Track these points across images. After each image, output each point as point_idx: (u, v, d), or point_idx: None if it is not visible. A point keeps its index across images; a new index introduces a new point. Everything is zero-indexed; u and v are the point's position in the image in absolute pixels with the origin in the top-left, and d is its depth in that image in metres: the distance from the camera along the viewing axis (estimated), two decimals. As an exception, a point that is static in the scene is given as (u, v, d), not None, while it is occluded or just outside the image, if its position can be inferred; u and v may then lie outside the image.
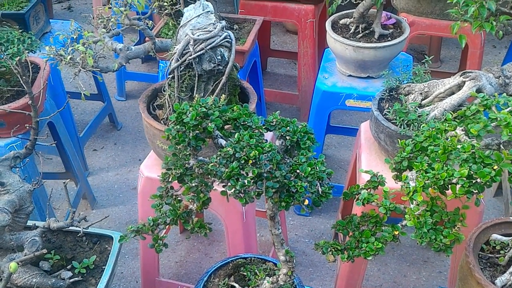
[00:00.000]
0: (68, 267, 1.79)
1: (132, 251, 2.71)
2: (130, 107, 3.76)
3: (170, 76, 1.83)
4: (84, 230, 1.79)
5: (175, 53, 1.78)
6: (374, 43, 2.38)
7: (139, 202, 2.18)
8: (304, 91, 3.35)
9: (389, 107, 1.98)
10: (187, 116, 1.28)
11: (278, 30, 4.46)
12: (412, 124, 1.86)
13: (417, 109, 1.91)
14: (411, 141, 1.38)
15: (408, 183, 1.30)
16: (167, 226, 1.58)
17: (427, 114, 1.88)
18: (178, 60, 1.78)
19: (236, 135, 1.28)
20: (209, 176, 1.30)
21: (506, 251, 1.50)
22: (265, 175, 1.26)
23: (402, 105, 1.92)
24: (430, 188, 1.24)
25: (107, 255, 1.86)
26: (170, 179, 1.39)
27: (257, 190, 1.25)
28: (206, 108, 1.29)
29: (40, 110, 2.36)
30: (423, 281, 2.47)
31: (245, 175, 1.25)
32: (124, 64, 1.93)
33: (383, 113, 1.97)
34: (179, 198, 1.49)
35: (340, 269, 2.23)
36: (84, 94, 1.85)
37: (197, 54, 1.75)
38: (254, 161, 1.25)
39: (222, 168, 1.24)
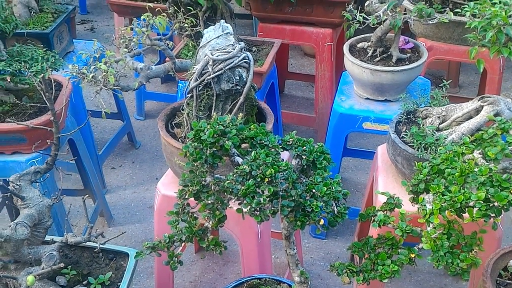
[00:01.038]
0: (84, 282, 1.80)
1: (147, 269, 2.72)
2: (148, 127, 3.81)
3: (189, 95, 1.86)
4: (101, 246, 1.81)
5: (194, 72, 1.81)
6: (391, 66, 2.39)
7: (155, 220, 2.19)
8: (321, 113, 3.36)
9: (407, 130, 1.98)
10: (205, 134, 1.30)
11: (296, 53, 4.51)
12: (429, 148, 1.85)
13: (434, 133, 1.91)
14: (428, 163, 1.38)
15: (425, 205, 1.30)
16: (182, 244, 1.59)
17: (445, 138, 1.87)
18: (197, 80, 1.81)
19: (252, 153, 1.29)
20: (225, 194, 1.31)
21: (526, 278, 1.47)
22: (280, 193, 1.26)
23: (419, 129, 1.91)
24: (447, 211, 1.23)
25: (123, 272, 1.86)
26: (186, 196, 1.40)
27: (272, 208, 1.25)
28: (224, 126, 1.31)
29: (61, 127, 2.41)
30: (440, 308, 2.42)
31: (260, 193, 1.26)
32: (144, 83, 1.97)
33: (401, 136, 1.97)
34: (195, 216, 1.50)
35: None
36: (104, 112, 1.89)
37: (216, 74, 1.79)
38: (270, 179, 1.26)
39: (238, 186, 1.25)
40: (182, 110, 1.97)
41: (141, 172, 3.39)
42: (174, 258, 1.57)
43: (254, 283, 1.81)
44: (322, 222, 1.30)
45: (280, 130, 3.22)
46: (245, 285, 1.81)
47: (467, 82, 4.11)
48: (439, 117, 1.98)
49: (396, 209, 1.42)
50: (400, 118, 2.06)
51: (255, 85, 1.98)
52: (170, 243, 1.55)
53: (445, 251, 1.26)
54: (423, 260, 2.63)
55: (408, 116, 2.07)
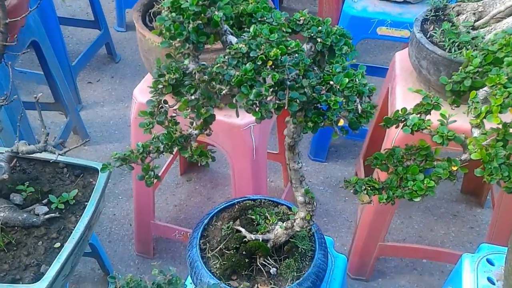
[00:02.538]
0: (44, 201, 1.51)
1: (127, 191, 2.44)
2: (130, 39, 3.42)
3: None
4: (63, 158, 1.51)
5: None
6: (415, -43, 2.01)
7: (132, 133, 1.88)
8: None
9: (435, 29, 1.64)
10: (186, 1, 0.95)
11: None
12: (464, 48, 1.52)
13: (470, 31, 1.57)
14: (480, 52, 1.05)
15: (478, 102, 0.98)
16: (162, 159, 1.27)
17: (483, 37, 1.54)
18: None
19: (252, 28, 0.95)
20: (213, 84, 0.98)
21: None
22: (288, 83, 0.94)
23: (452, 25, 1.57)
24: (510, 108, 0.92)
25: (91, 190, 1.57)
26: (163, 90, 1.07)
27: (277, 102, 0.93)
28: (213, -9, 0.96)
29: (22, 24, 2.03)
30: (451, 237, 2.19)
31: (261, 81, 0.93)
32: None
33: (427, 36, 1.63)
34: (175, 119, 1.18)
35: (362, 218, 1.94)
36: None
37: None
38: (274, 63, 0.93)
39: (231, 71, 0.93)
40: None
41: (121, 87, 3.04)
42: (150, 172, 1.25)
43: (247, 204, 1.52)
44: (342, 122, 0.99)
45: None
46: (237, 207, 1.52)
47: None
48: (474, 14, 1.63)
49: (433, 112, 1.10)
50: (427, 16, 1.71)
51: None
52: (145, 154, 1.23)
53: (501, 161, 0.97)
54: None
55: (437, 14, 1.72)
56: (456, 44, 1.53)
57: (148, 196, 2.04)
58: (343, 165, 2.53)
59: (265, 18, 1.04)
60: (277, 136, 2.28)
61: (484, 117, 0.95)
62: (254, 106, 0.92)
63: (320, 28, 1.05)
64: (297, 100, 0.94)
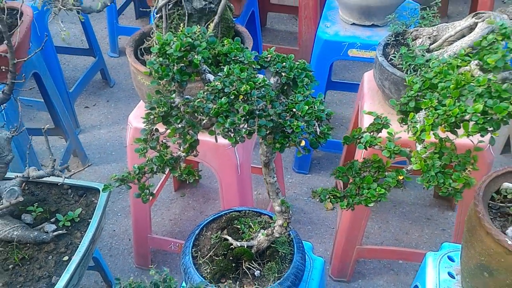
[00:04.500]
0: (52, 220, 1.70)
1: (125, 209, 2.62)
2: (123, 64, 3.62)
3: (158, 15, 1.69)
4: (67, 180, 1.69)
5: (162, -11, 1.64)
6: (379, -13, 2.23)
7: (128, 155, 2.07)
8: (304, 45, 3.20)
9: (395, 52, 1.84)
10: (171, 47, 1.15)
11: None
12: (419, 70, 1.72)
13: (425, 54, 1.78)
14: (420, 78, 1.25)
15: (415, 122, 1.18)
16: (159, 179, 1.46)
17: (436, 58, 1.74)
18: (166, -3, 1.64)
19: (225, 69, 1.15)
20: (196, 115, 1.18)
21: (519, 200, 1.39)
22: (257, 112, 1.14)
23: (409, 49, 1.78)
24: (440, 127, 1.12)
25: (93, 208, 1.76)
26: (154, 120, 1.27)
27: (248, 128, 1.13)
28: (192, 39, 1.16)
29: (23, 57, 2.23)
30: (425, 239, 2.37)
31: (235, 112, 1.13)
32: (108, 4, 1.79)
33: (388, 59, 1.84)
34: (166, 143, 1.37)
35: (340, 225, 2.13)
36: (64, 36, 1.72)
37: (187, -10, 1.61)
38: (245, 97, 1.12)
39: (209, 104, 1.12)
40: (152, 34, 1.81)
41: (117, 111, 3.24)
42: (145, 190, 1.44)
43: (233, 215, 1.71)
44: (303, 143, 1.18)
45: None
46: (224, 218, 1.71)
47: (456, 12, 3.95)
48: (429, 38, 1.84)
49: (383, 130, 1.30)
50: (388, 40, 1.92)
51: (232, 5, 1.81)
52: (141, 174, 1.42)
53: (437, 170, 1.16)
54: (408, 192, 2.57)
55: (397, 38, 1.93)
56: (412, 66, 1.73)
57: (144, 212, 2.23)
58: (325, 176, 2.72)
59: (237, 57, 1.24)
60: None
61: (420, 135, 1.14)
62: (229, 132, 1.12)
63: (284, 64, 1.25)
64: (266, 126, 1.14)
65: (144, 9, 1.84)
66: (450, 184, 1.16)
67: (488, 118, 1.06)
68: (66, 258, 1.62)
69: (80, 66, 3.56)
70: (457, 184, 1.15)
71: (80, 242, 1.65)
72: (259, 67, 1.25)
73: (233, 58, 1.23)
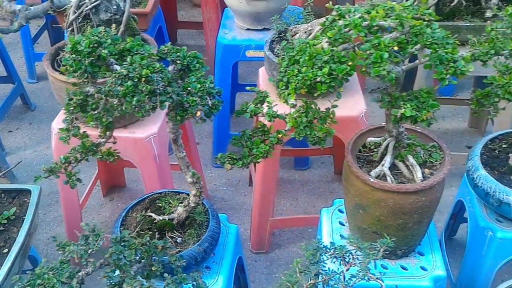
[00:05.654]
0: (-10, 220, 1.87)
1: (57, 218, 2.78)
2: (42, 88, 3.76)
3: (70, 29, 1.93)
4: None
5: (72, 6, 1.89)
6: (264, -5, 2.59)
7: (54, 154, 2.25)
8: (212, 55, 3.49)
9: (279, 46, 2.20)
10: (81, 45, 1.41)
11: (186, 4, 4.59)
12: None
13: (302, 45, 2.14)
14: (286, 56, 1.59)
15: (284, 89, 1.51)
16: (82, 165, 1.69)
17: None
18: (76, 12, 1.89)
19: (128, 59, 1.42)
20: (108, 98, 1.43)
21: (379, 149, 1.76)
22: (158, 91, 1.42)
23: (288, 42, 2.13)
24: (301, 89, 1.45)
25: (27, 206, 1.94)
26: (73, 110, 1.51)
27: (152, 104, 1.40)
28: (99, 37, 1.42)
29: None
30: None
31: (140, 92, 1.40)
32: (24, 24, 2.00)
33: (274, 52, 2.19)
34: (86, 133, 1.61)
35: (253, 202, 2.44)
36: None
37: (93, 4, 1.87)
38: (146, 79, 1.40)
39: (118, 88, 1.39)
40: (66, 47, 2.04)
41: (40, 132, 3.38)
42: (72, 176, 1.67)
43: (155, 196, 1.96)
44: (199, 113, 1.48)
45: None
46: (147, 200, 1.95)
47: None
48: (305, 32, 2.21)
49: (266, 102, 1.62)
50: (273, 38, 2.28)
51: (136, 16, 2.09)
52: (67, 164, 1.65)
53: (304, 125, 1.49)
54: (313, 171, 2.92)
55: (280, 35, 2.29)
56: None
57: (76, 216, 2.42)
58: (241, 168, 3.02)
59: (139, 51, 1.52)
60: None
61: (287, 96, 1.47)
62: (136, 108, 1.39)
63: (178, 54, 1.55)
64: (166, 102, 1.42)
65: (56, 25, 2.06)
66: (315, 134, 1.49)
67: (333, 78, 1.41)
68: (5, 250, 1.80)
69: (0, 94, 3.67)
70: (320, 134, 1.49)
71: (17, 235, 1.84)
72: (158, 58, 1.54)
73: (135, 52, 1.51)
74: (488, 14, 1.71)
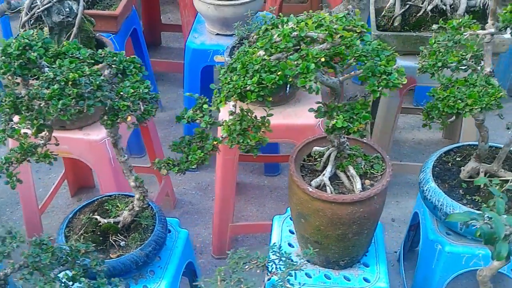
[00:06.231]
0: None
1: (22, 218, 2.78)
2: None
3: (22, 30, 1.94)
4: None
5: (24, 7, 1.89)
6: (233, 0, 2.58)
7: None
8: (191, 59, 3.52)
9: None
10: (11, 48, 1.41)
11: (173, 7, 4.60)
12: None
13: (260, 51, 2.13)
14: (225, 64, 1.58)
15: (218, 97, 1.50)
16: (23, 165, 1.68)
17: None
18: (27, 14, 1.89)
19: (57, 62, 1.42)
20: (36, 100, 1.43)
21: (322, 158, 1.74)
22: (86, 95, 1.41)
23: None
24: (232, 97, 1.44)
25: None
26: (8, 112, 1.51)
27: (78, 108, 1.40)
28: (29, 40, 1.43)
29: None
30: (296, 216, 2.71)
31: (67, 95, 1.40)
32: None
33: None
34: (26, 134, 1.61)
35: (214, 208, 2.43)
36: None
37: (45, 7, 1.88)
38: (74, 83, 1.40)
39: (44, 91, 1.39)
40: None
41: None
42: (12, 177, 1.67)
43: (104, 199, 1.96)
44: (129, 118, 1.47)
45: (151, 77, 3.33)
46: (96, 202, 1.95)
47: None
48: (265, 39, 2.20)
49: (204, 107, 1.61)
50: (234, 44, 2.27)
51: (93, 19, 2.09)
52: (8, 164, 1.66)
53: (237, 133, 1.48)
54: (283, 178, 2.90)
55: (242, 42, 2.28)
56: (249, 62, 2.08)
57: (34, 218, 2.43)
58: (211, 172, 3.01)
59: (75, 54, 1.52)
60: (147, 153, 2.74)
61: (219, 104, 1.46)
62: (62, 112, 1.39)
63: (115, 58, 1.54)
64: (93, 105, 1.42)
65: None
66: (248, 142, 1.48)
67: (263, 87, 1.40)
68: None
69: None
70: (252, 142, 1.48)
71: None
72: (93, 61, 1.53)
73: (71, 56, 1.51)
74: (434, 26, 1.69)
